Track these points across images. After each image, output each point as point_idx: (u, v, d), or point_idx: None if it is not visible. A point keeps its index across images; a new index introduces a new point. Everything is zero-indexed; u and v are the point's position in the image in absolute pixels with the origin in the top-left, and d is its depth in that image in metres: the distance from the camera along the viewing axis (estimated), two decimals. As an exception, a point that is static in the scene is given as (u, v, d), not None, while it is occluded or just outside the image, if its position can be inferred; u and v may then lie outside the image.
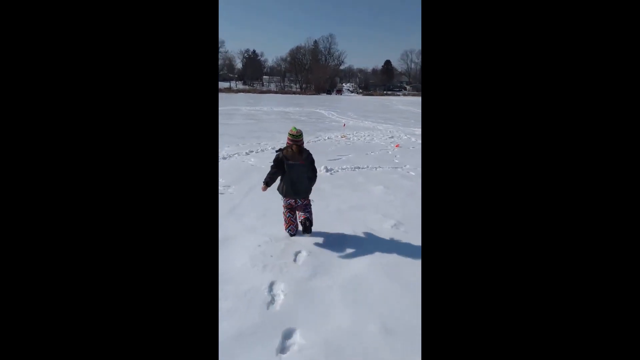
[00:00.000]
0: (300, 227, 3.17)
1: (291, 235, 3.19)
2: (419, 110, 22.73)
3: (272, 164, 3.06)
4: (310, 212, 3.16)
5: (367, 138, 9.99)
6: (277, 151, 3.09)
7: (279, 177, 3.08)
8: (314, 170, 3.14)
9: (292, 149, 2.99)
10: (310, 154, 3.10)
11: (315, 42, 73.31)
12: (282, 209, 3.24)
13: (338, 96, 54.25)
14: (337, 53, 74.86)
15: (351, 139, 9.74)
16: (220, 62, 71.81)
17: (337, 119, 16.18)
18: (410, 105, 28.46)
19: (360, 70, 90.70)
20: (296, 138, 3.03)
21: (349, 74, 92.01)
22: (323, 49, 73.57)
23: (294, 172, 3.00)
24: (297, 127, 3.08)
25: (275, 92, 58.49)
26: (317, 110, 21.45)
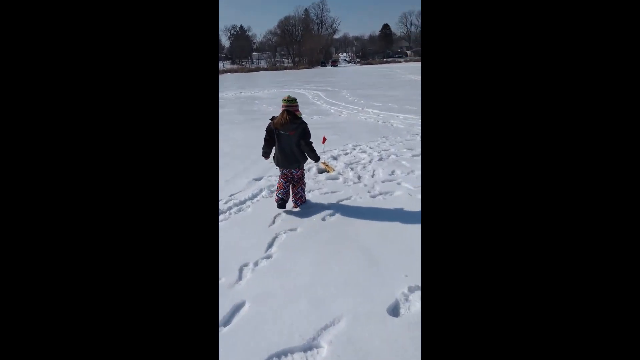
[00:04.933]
0: (291, 201, 3.15)
1: (278, 203, 3.01)
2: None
3: (265, 133, 3.01)
4: (302, 189, 3.15)
5: (382, 169, 4.09)
6: (270, 119, 2.98)
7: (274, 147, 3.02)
8: (307, 144, 2.96)
9: (282, 116, 2.87)
10: (304, 125, 2.94)
11: (306, 10, 65.21)
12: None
13: (333, 68, 47.32)
14: (330, 21, 66.77)
15: (341, 176, 3.88)
16: (205, 40, 64.22)
17: (325, 107, 10.13)
18: (420, 74, 21.95)
19: (357, 38, 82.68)
20: (288, 103, 2.92)
21: (345, 43, 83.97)
22: (314, 17, 65.60)
23: (283, 142, 2.94)
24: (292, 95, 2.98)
25: (266, 69, 52.24)
26: (301, 90, 15.29)
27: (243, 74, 43.59)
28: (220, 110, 10.34)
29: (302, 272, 2.20)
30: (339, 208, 3.09)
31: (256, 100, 12.42)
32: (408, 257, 2.29)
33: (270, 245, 2.55)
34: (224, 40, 69.82)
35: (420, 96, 11.81)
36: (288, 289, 2.05)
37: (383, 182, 3.69)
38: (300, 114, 3.03)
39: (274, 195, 3.13)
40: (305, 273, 2.19)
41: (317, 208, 3.12)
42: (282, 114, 2.90)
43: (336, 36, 72.01)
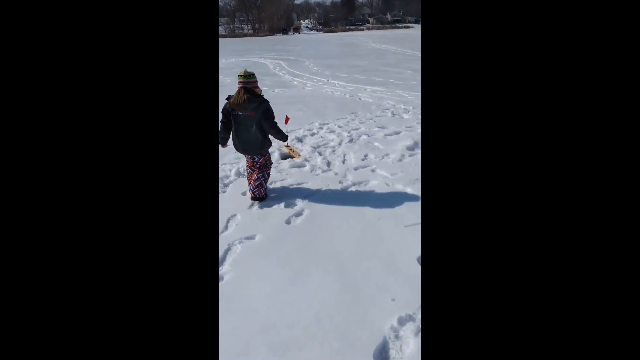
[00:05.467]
0: (249, 191, 2.70)
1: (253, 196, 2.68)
2: (400, 50, 15.88)
3: (221, 115, 2.51)
4: (264, 177, 2.66)
5: (354, 153, 3.59)
6: (226, 99, 2.52)
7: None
8: (272, 126, 2.52)
9: (239, 94, 2.42)
10: (265, 103, 2.47)
11: (264, -29, 60.73)
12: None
13: (296, 36, 45.21)
14: (290, -16, 62.89)
15: (307, 162, 3.34)
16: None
17: (287, 78, 9.35)
18: (384, 42, 21.23)
19: (319, 4, 79.46)
20: (244, 79, 2.45)
21: (307, 9, 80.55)
22: (274, -20, 61.32)
23: (240, 124, 2.50)
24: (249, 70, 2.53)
25: (224, 36, 48.91)
26: (262, 60, 14.20)
27: (199, 41, 40.44)
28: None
29: (261, 304, 1.69)
30: (306, 205, 2.58)
31: (212, 71, 11.28)
32: (393, 272, 1.85)
33: (220, 263, 2.00)
34: (177, 4, 64.19)
35: (380, 61, 11.28)
36: (243, 332, 1.54)
37: (356, 169, 3.20)
38: (260, 90, 2.58)
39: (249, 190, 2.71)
40: (265, 306, 1.68)
41: (280, 206, 2.58)
42: (238, 91, 2.45)
43: (297, 1, 68.53)
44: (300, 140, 4.03)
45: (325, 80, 8.53)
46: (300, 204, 2.61)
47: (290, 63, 12.59)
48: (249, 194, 2.75)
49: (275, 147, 3.73)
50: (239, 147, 2.61)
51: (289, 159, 3.48)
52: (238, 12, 62.40)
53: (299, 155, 3.53)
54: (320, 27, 64.05)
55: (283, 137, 2.66)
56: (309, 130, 4.39)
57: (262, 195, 2.66)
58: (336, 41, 26.30)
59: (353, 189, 2.83)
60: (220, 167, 3.33)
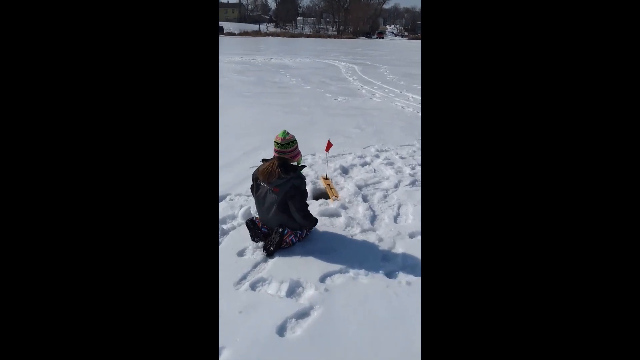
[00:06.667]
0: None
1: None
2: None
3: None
4: (281, 234, 1.91)
5: (412, 205, 2.53)
6: (262, 160, 2.05)
7: None
8: (299, 209, 1.93)
9: (270, 165, 1.93)
10: (295, 181, 1.90)
11: (357, -25, 60.17)
12: None
13: (378, 40, 43.97)
14: (381, -12, 61.42)
15: (344, 211, 2.36)
16: (251, 0, 62.37)
17: (356, 85, 8.39)
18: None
19: (408, 10, 76.77)
20: (280, 148, 1.94)
21: (395, 14, 78.38)
22: (365, -16, 60.52)
23: (260, 198, 2.00)
24: (288, 131, 1.96)
25: (309, 36, 49.65)
26: (337, 62, 13.43)
27: (285, 38, 41.56)
28: (237, 77, 8.89)
29: None
30: (320, 297, 1.63)
31: (282, 70, 10.81)
32: None
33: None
34: (270, 2, 67.24)
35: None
36: None
37: (411, 236, 2.15)
38: (300, 158, 2.05)
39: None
40: None
41: (281, 291, 1.67)
42: (271, 161, 1.97)
43: (386, 6, 66.62)
44: (345, 171, 3.07)
45: (398, 91, 7.40)
46: (311, 291, 1.67)
47: (364, 68, 11.62)
48: (249, 251, 1.91)
49: (312, 178, 2.83)
50: (261, 218, 2.09)
51: (322, 200, 2.55)
52: (325, 14, 62.92)
53: (337, 197, 2.58)
54: (405, 33, 61.75)
55: (311, 222, 2.04)
56: (361, 157, 3.41)
57: (290, 243, 1.99)
58: (420, 48, 24.59)
59: (400, 276, 1.80)
60: (233, 197, 2.53)
